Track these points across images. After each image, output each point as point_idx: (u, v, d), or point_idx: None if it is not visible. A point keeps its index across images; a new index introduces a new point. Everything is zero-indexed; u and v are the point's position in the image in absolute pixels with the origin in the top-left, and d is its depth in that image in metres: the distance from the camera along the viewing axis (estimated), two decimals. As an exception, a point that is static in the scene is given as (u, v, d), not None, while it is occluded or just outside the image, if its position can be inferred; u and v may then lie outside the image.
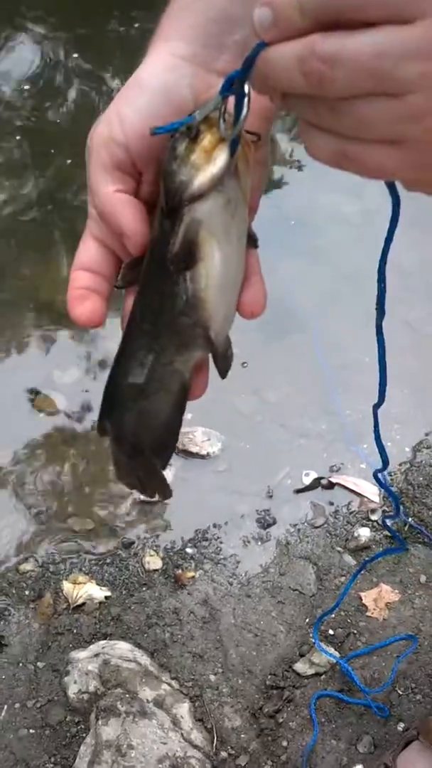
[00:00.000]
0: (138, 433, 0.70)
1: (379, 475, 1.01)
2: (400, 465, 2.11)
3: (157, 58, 0.58)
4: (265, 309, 0.65)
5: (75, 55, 3.35)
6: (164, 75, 0.57)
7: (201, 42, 0.57)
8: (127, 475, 0.77)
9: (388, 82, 0.42)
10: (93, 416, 2.19)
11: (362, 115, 0.45)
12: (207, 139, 0.55)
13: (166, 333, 0.62)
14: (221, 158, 0.54)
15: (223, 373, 0.65)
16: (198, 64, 0.57)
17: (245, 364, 2.24)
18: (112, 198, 0.60)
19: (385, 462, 0.94)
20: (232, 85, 0.52)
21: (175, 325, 0.61)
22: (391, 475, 2.08)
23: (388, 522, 1.89)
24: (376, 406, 0.84)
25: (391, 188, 0.57)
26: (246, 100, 0.52)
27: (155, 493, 0.78)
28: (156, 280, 0.60)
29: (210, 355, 0.65)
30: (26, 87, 3.22)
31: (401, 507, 1.98)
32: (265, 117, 0.60)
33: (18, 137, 3.02)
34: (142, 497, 2.02)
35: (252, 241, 0.64)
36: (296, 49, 0.45)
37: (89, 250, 0.64)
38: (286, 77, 0.46)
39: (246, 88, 0.52)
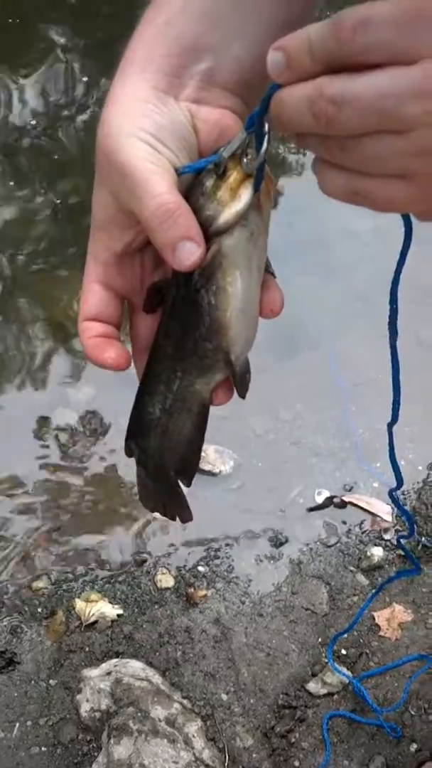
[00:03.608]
0: (161, 451, 0.74)
1: (394, 493, 1.01)
2: (413, 484, 2.10)
3: (141, 92, 0.59)
4: (282, 308, 0.67)
5: (85, 78, 3.39)
6: (169, 115, 0.59)
7: (174, 72, 0.59)
8: (151, 498, 0.81)
9: (392, 120, 0.45)
10: (106, 433, 2.20)
11: (370, 151, 0.47)
12: (233, 177, 0.58)
13: (189, 357, 0.66)
14: (246, 195, 0.58)
15: (242, 394, 0.68)
16: (173, 95, 0.60)
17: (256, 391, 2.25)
18: (177, 198, 0.58)
19: (400, 481, 0.95)
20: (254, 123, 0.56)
21: (197, 349, 0.65)
22: (404, 494, 2.08)
23: (403, 542, 1.88)
24: (390, 425, 0.84)
25: (404, 216, 0.59)
26: (266, 137, 0.56)
27: (176, 516, 0.81)
28: (180, 307, 0.64)
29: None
30: (39, 110, 3.26)
31: (414, 527, 1.97)
32: None
33: (30, 155, 3.05)
34: (159, 516, 2.02)
35: (268, 268, 0.66)
36: (306, 90, 0.47)
37: (95, 296, 0.66)
38: (297, 117, 0.49)
39: (266, 126, 0.55)
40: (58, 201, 2.87)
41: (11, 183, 2.95)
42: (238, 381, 0.67)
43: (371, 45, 0.44)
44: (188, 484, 0.77)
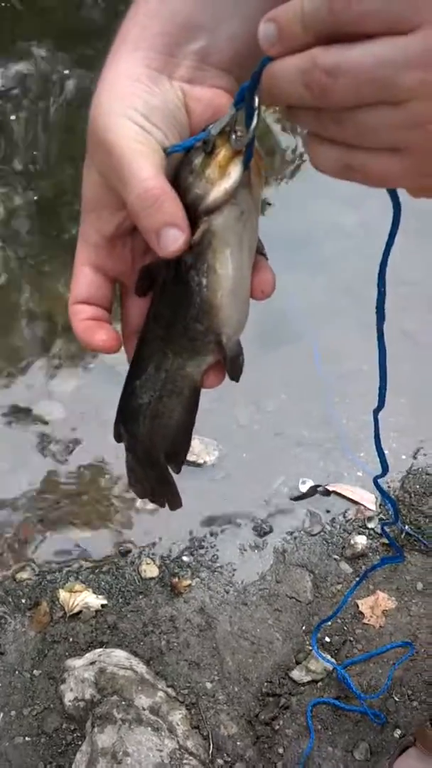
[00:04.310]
0: (151, 435, 0.72)
1: (379, 480, 1.01)
2: (397, 473, 2.11)
3: (134, 71, 0.58)
4: (274, 289, 0.66)
5: (66, 72, 3.38)
6: (161, 95, 0.58)
7: (168, 51, 0.58)
8: (140, 484, 0.79)
9: (388, 90, 0.44)
10: (91, 425, 2.20)
11: (365, 123, 0.46)
12: (222, 154, 0.57)
13: (180, 339, 0.64)
14: (235, 172, 0.57)
15: (235, 377, 0.67)
16: (167, 74, 0.59)
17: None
18: (162, 184, 0.56)
19: (385, 467, 0.94)
20: (244, 98, 0.54)
21: (188, 331, 0.63)
22: (388, 483, 2.08)
23: (386, 529, 1.89)
24: (376, 411, 0.83)
25: (393, 194, 0.59)
26: (256, 112, 0.54)
27: (166, 502, 0.79)
28: (170, 288, 0.62)
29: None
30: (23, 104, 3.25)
31: (398, 513, 1.98)
32: None
33: (16, 150, 3.05)
34: (148, 506, 2.02)
35: (260, 250, 0.65)
36: (299, 62, 0.46)
37: (86, 279, 0.65)
38: (290, 89, 0.48)
39: (256, 100, 0.54)
40: (35, 198, 2.86)
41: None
42: (230, 363, 0.65)
43: (367, 13, 0.43)
44: (178, 471, 0.75)
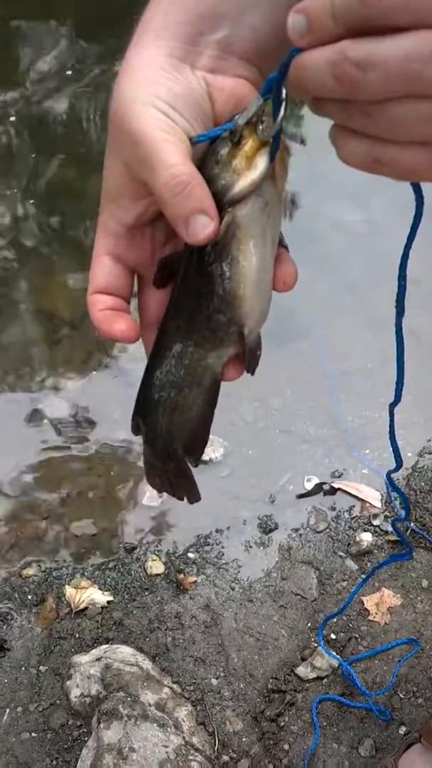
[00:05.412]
0: (170, 428, 0.71)
1: (392, 475, 1.00)
2: (403, 470, 2.11)
3: (157, 60, 0.58)
4: (296, 281, 0.66)
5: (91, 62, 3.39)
6: (185, 83, 0.58)
7: (190, 40, 0.58)
8: (158, 478, 0.78)
9: (418, 84, 0.44)
10: (95, 422, 2.20)
11: (394, 117, 0.46)
12: (249, 145, 0.56)
13: (201, 330, 0.64)
14: (261, 163, 0.56)
15: (251, 370, 0.66)
16: (189, 63, 0.58)
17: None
18: (191, 170, 0.56)
19: (399, 462, 0.93)
20: (271, 89, 0.54)
21: (210, 322, 0.63)
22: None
23: (397, 525, 1.89)
24: (393, 405, 0.83)
25: (416, 187, 0.59)
26: (283, 103, 0.54)
27: (184, 495, 0.79)
28: (192, 279, 0.62)
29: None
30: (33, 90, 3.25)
31: (409, 508, 1.98)
32: None
33: (23, 145, 3.05)
34: (153, 502, 2.03)
35: (281, 241, 0.65)
36: (329, 54, 0.46)
37: (104, 269, 0.64)
38: (319, 81, 0.48)
39: (283, 92, 0.53)
40: (31, 202, 2.86)
41: None
42: (249, 356, 0.65)
43: (398, 7, 0.43)
44: (196, 464, 0.74)
